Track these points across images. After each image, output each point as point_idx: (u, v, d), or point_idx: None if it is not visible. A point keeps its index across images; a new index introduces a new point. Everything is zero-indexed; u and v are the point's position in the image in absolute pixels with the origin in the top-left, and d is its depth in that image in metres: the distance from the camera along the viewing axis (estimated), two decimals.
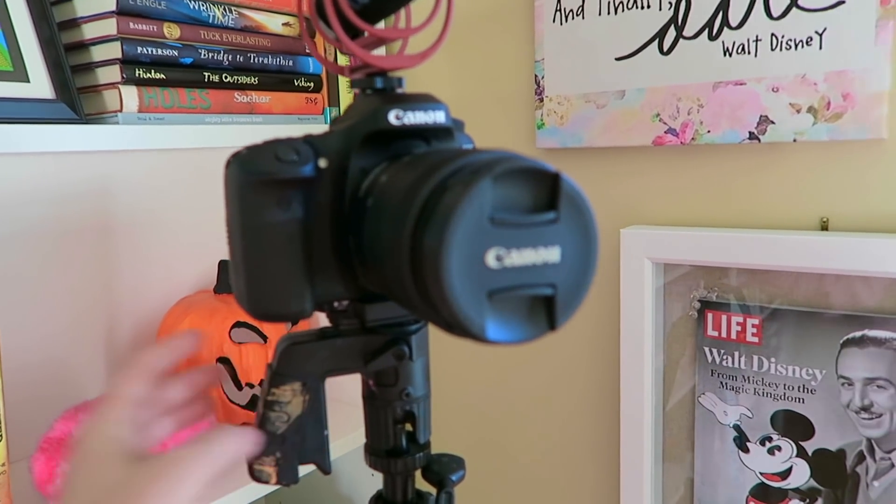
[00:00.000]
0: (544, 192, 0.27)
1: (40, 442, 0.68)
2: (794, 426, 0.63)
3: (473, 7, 0.81)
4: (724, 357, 0.67)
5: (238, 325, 0.85)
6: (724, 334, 0.66)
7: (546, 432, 0.83)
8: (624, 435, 0.71)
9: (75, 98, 0.60)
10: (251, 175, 0.34)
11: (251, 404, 0.87)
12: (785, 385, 0.63)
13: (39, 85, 0.59)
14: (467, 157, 0.28)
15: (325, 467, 0.41)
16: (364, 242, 0.33)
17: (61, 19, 0.65)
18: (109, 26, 0.62)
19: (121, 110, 0.62)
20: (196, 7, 0.67)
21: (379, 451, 0.42)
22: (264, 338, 0.86)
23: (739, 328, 0.65)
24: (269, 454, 0.39)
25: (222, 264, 0.90)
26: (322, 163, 0.35)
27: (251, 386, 0.87)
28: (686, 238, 0.66)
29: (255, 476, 0.39)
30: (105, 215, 0.85)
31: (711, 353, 0.67)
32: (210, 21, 0.68)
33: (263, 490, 0.81)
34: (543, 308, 0.28)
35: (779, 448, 0.64)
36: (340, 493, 1.01)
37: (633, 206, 0.73)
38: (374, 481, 0.91)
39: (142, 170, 0.88)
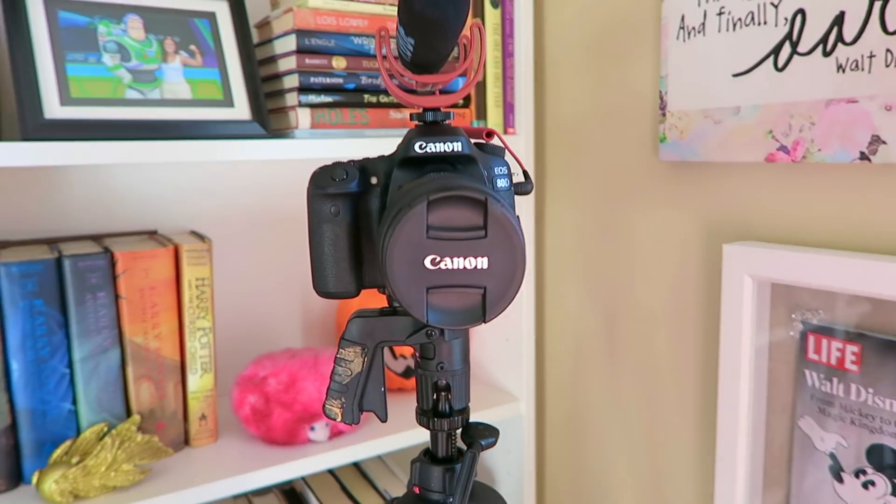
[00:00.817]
0: (476, 215, 0.35)
1: (237, 378, 0.89)
2: (891, 463, 0.60)
3: (607, 24, 0.86)
4: (824, 382, 0.65)
5: None
6: (824, 359, 0.65)
7: (639, 446, 0.86)
8: (720, 454, 0.72)
9: (265, 118, 0.79)
10: (314, 189, 0.46)
11: (405, 373, 1.02)
12: (882, 418, 0.60)
13: (241, 109, 0.78)
14: (433, 184, 0.38)
15: (381, 416, 0.53)
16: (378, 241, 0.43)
17: (264, 56, 0.85)
18: (291, 62, 0.79)
19: (297, 127, 0.79)
20: (359, 42, 0.82)
21: (425, 412, 0.53)
22: None
23: (839, 354, 0.63)
24: (336, 398, 0.52)
25: None
26: (373, 180, 0.47)
27: (405, 357, 1.02)
28: (790, 257, 0.65)
29: (326, 413, 0.52)
30: (297, 203, 1.06)
31: (812, 376, 0.66)
32: (371, 53, 0.83)
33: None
34: (479, 304, 0.36)
35: (873, 483, 0.61)
36: (483, 465, 1.12)
37: (742, 222, 0.73)
38: (511, 457, 1.01)
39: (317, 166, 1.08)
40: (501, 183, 0.49)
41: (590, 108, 0.91)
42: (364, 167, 0.47)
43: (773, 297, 0.69)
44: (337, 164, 0.47)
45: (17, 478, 0.75)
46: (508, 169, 0.50)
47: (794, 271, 0.65)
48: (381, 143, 0.83)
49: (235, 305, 1.04)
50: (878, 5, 0.59)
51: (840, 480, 0.64)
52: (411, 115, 0.49)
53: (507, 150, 0.51)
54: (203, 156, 0.73)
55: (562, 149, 0.96)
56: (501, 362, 1.04)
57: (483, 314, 0.36)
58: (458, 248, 0.35)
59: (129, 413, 0.81)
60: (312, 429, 0.86)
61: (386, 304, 0.52)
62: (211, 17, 0.79)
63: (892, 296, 0.58)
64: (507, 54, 0.94)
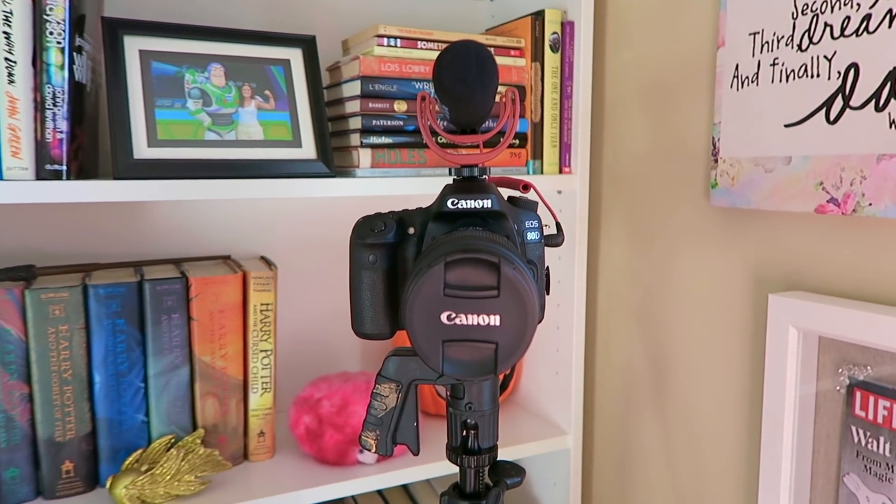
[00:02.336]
0: (490, 276, 0.38)
1: (295, 398, 0.94)
2: None
3: (664, 70, 0.87)
4: (870, 440, 0.63)
5: None
6: (871, 416, 0.63)
7: (687, 490, 0.85)
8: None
9: (330, 157, 0.84)
10: (357, 238, 0.50)
11: None
12: None
13: (307, 149, 0.84)
14: (456, 245, 0.41)
15: (413, 449, 0.56)
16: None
17: (334, 98, 0.91)
18: (356, 106, 0.84)
19: (359, 166, 0.85)
20: (420, 87, 0.87)
21: (454, 448, 0.56)
22: None
23: (886, 413, 0.62)
24: (372, 430, 0.56)
25: None
26: (410, 230, 0.51)
27: None
28: (838, 311, 0.64)
29: (361, 444, 0.56)
30: None
31: (858, 433, 0.64)
32: (431, 97, 0.87)
33: None
34: (491, 358, 0.39)
35: None
36: (531, 496, 1.13)
37: (790, 272, 0.72)
38: (557, 490, 1.02)
39: (378, 202, 1.13)
40: (532, 236, 0.52)
41: (644, 151, 0.92)
42: (402, 218, 0.51)
43: (820, 350, 0.68)
44: (377, 216, 0.51)
45: (94, 481, 0.83)
46: (539, 222, 0.52)
47: (842, 325, 0.64)
48: (436, 182, 0.87)
49: (298, 327, 1.10)
50: None
51: None
52: (450, 170, 0.53)
53: (540, 203, 0.54)
54: (272, 193, 0.79)
55: (616, 189, 0.97)
56: (550, 395, 1.06)
57: (494, 367, 0.39)
58: (472, 305, 0.38)
59: (194, 426, 0.87)
60: (361, 451, 0.90)
61: None
62: (286, 64, 0.86)
63: None
64: (565, 96, 0.96)
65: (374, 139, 0.85)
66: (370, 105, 0.84)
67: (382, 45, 0.84)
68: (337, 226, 1.11)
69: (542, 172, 0.96)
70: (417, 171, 0.88)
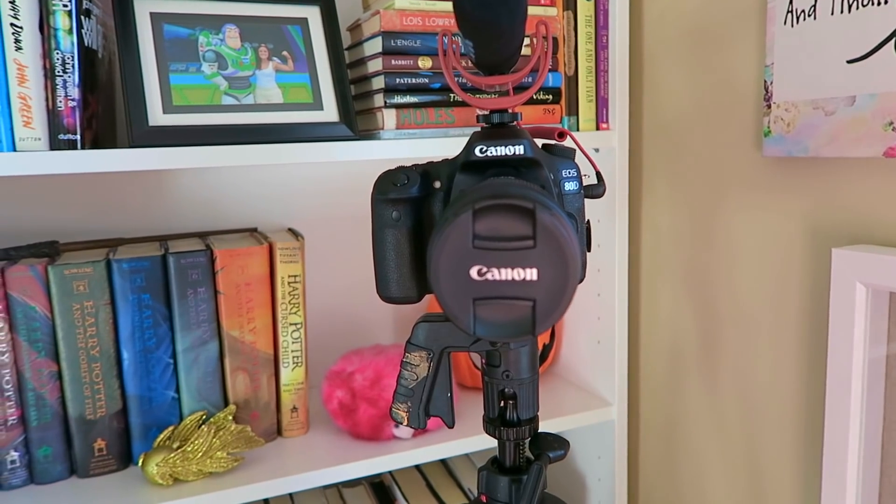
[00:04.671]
0: (525, 225, 0.34)
1: (327, 372, 0.92)
2: None
3: (707, 11, 0.80)
4: None
5: None
6: None
7: (739, 457, 0.80)
8: (827, 473, 0.66)
9: (353, 119, 0.80)
10: (378, 194, 0.46)
11: None
12: None
13: (329, 112, 0.80)
14: (485, 191, 0.36)
15: (448, 422, 0.52)
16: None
17: (353, 59, 0.86)
18: (378, 64, 0.80)
19: (383, 128, 0.80)
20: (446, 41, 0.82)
21: (492, 420, 0.52)
22: None
23: None
24: (402, 402, 0.52)
25: None
26: (436, 184, 0.46)
27: None
28: None
29: (392, 416, 0.52)
30: None
31: None
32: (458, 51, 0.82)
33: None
34: (528, 316, 0.35)
35: None
36: (575, 470, 1.09)
37: (856, 224, 0.66)
38: (601, 463, 0.98)
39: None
40: (570, 186, 0.47)
41: (688, 102, 0.85)
42: (426, 171, 0.46)
43: (892, 308, 0.62)
44: (400, 169, 0.46)
45: (127, 458, 0.82)
46: (578, 171, 0.48)
47: None
48: (464, 143, 0.82)
49: (328, 300, 1.07)
50: None
51: None
52: (478, 116, 0.48)
53: (578, 151, 0.49)
54: (293, 158, 0.75)
55: (658, 145, 0.91)
56: (593, 365, 1.01)
57: (532, 327, 0.35)
58: (505, 258, 0.34)
59: (226, 402, 0.85)
60: (397, 426, 0.87)
61: None
62: (303, 22, 0.81)
63: None
64: (600, 47, 0.90)
65: (398, 98, 0.80)
66: (393, 62, 0.80)
67: None
68: (364, 193, 1.07)
69: (577, 129, 0.91)
70: (446, 132, 0.83)
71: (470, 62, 0.45)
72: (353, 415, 0.87)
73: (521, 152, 0.43)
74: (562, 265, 0.34)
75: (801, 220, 0.72)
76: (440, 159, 0.47)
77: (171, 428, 0.80)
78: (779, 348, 0.76)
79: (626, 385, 0.97)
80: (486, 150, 0.43)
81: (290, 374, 0.88)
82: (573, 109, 0.90)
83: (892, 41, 0.60)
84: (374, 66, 0.81)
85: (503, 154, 0.43)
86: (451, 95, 0.83)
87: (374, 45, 0.81)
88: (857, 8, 0.63)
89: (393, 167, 1.08)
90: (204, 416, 0.82)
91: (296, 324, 0.88)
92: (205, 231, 0.98)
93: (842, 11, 0.64)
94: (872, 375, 0.63)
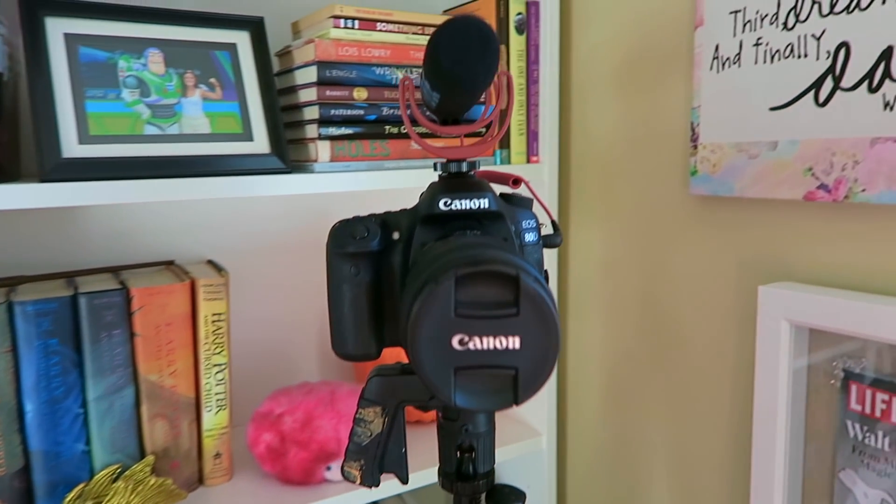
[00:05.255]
0: (508, 291, 0.33)
1: (253, 414, 0.87)
2: None
3: (636, 52, 0.83)
4: (867, 435, 0.61)
5: None
6: (867, 410, 0.61)
7: (675, 492, 0.82)
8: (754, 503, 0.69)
9: (284, 151, 0.77)
10: (334, 247, 0.44)
11: (423, 406, 0.99)
12: None
13: (260, 143, 0.77)
14: (459, 253, 0.35)
15: (402, 477, 0.50)
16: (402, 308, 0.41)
17: (285, 86, 0.83)
18: (312, 94, 0.77)
19: (317, 160, 0.77)
20: (381, 73, 0.80)
21: (447, 475, 0.50)
22: None
23: (885, 406, 0.60)
24: (356, 460, 0.50)
25: None
26: (395, 235, 0.45)
27: None
28: (830, 302, 0.62)
29: (345, 475, 0.50)
30: (312, 233, 1.05)
31: (854, 427, 0.62)
32: (393, 82, 0.81)
33: None
34: (510, 385, 0.34)
35: None
36: None
37: (779, 262, 0.69)
38: (532, 492, 0.98)
39: (348, 202, 1.06)
40: (530, 237, 0.47)
41: (617, 138, 0.88)
42: (385, 222, 0.45)
43: (813, 343, 0.65)
44: (357, 221, 0.44)
45: None
46: (537, 221, 0.47)
47: (835, 317, 0.61)
48: (401, 176, 0.81)
49: (249, 336, 1.02)
50: None
51: None
52: (435, 164, 0.47)
53: (535, 200, 0.48)
54: (222, 192, 0.71)
55: (587, 178, 0.93)
56: None
57: (515, 397, 0.33)
58: (487, 326, 0.33)
59: (143, 453, 0.79)
60: (329, 468, 0.84)
61: (405, 360, 0.50)
62: (232, 48, 0.78)
63: None
64: (531, 81, 0.91)
65: (333, 130, 0.78)
66: (327, 93, 0.77)
67: (339, 27, 0.77)
68: (289, 225, 1.03)
69: (509, 162, 0.91)
70: (381, 165, 0.81)
71: (426, 108, 0.44)
72: (282, 459, 0.83)
73: (486, 206, 0.42)
74: (545, 332, 0.33)
75: (728, 257, 0.75)
76: (398, 209, 0.46)
77: (81, 486, 0.73)
78: (708, 380, 0.79)
79: (555, 415, 0.98)
80: (450, 204, 0.42)
81: (214, 419, 0.83)
82: (505, 142, 0.91)
83: (812, 92, 0.64)
84: (307, 95, 0.79)
85: (467, 208, 0.42)
86: (388, 127, 0.82)
87: (308, 74, 0.78)
88: (780, 59, 0.66)
89: (323, 203, 1.05)
90: (118, 470, 0.76)
91: (220, 364, 0.83)
92: (116, 265, 0.91)
93: (765, 61, 0.68)
94: (796, 406, 0.67)
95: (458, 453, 0.49)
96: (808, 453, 0.67)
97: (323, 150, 0.77)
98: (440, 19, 0.84)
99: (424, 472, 0.86)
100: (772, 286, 0.67)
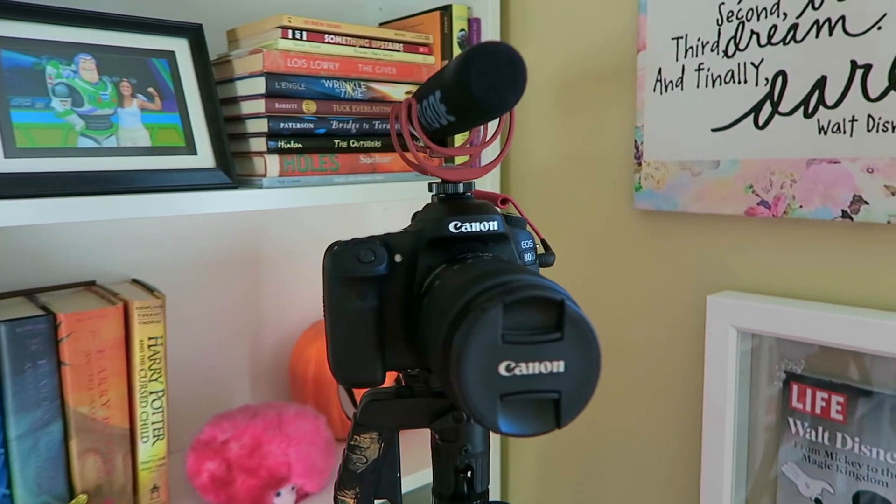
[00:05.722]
0: (551, 316, 0.33)
1: (193, 441, 0.82)
2: None
3: (582, 72, 0.86)
4: (808, 430, 0.67)
5: None
6: (808, 408, 0.66)
7: (626, 492, 0.86)
8: (704, 499, 0.73)
9: (230, 164, 0.73)
10: (337, 272, 0.42)
11: None
12: (869, 466, 0.62)
13: (204, 156, 0.72)
14: (494, 279, 0.35)
15: (396, 502, 0.49)
16: (419, 332, 0.40)
17: (223, 96, 0.79)
18: (260, 106, 0.74)
19: (265, 175, 0.74)
20: (330, 85, 0.78)
21: (443, 496, 0.49)
22: None
23: (824, 404, 0.65)
24: (350, 488, 0.48)
25: None
26: (397, 258, 0.43)
27: None
28: (773, 310, 0.67)
29: None
30: (253, 253, 1.00)
31: (795, 424, 0.68)
32: (342, 96, 0.79)
33: None
34: (551, 409, 0.34)
35: None
36: None
37: (723, 273, 0.74)
38: None
39: (282, 217, 1.02)
40: (528, 257, 0.47)
41: (561, 153, 0.90)
42: (387, 244, 0.43)
43: (756, 347, 0.70)
44: (359, 243, 0.43)
45: None
46: (533, 241, 0.48)
47: (778, 323, 0.66)
48: (350, 191, 0.79)
49: (177, 360, 0.96)
50: (859, 72, 0.61)
51: None
52: (431, 185, 0.47)
53: (527, 221, 0.49)
54: (164, 210, 0.67)
55: (529, 192, 0.95)
56: None
57: (557, 420, 0.34)
58: (533, 352, 0.33)
59: (72, 493, 0.72)
60: (278, 494, 0.80)
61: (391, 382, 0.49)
62: (170, 56, 0.73)
63: (874, 349, 0.61)
64: None
65: (282, 144, 0.75)
66: (276, 105, 0.74)
67: (287, 38, 0.75)
68: (219, 240, 0.98)
69: None
70: (330, 180, 0.79)
71: (421, 130, 0.43)
72: (228, 488, 0.79)
73: (495, 228, 0.42)
74: (588, 355, 0.33)
75: (675, 268, 0.79)
76: (399, 230, 0.45)
77: None
78: (660, 383, 0.83)
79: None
80: (460, 227, 0.42)
81: (150, 450, 0.77)
82: (448, 159, 0.91)
83: (752, 115, 0.69)
84: (253, 107, 0.75)
85: (478, 230, 0.42)
86: (337, 141, 0.80)
87: (254, 86, 0.75)
88: (721, 84, 0.71)
89: (260, 217, 1.01)
90: None
91: (157, 392, 0.77)
92: (30, 288, 0.83)
93: (707, 86, 0.72)
94: (742, 406, 0.71)
95: (455, 475, 0.49)
96: (754, 449, 0.71)
97: (272, 164, 0.74)
98: (389, 33, 0.83)
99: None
100: (719, 295, 0.71)
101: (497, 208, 0.44)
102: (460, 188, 0.46)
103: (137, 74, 0.70)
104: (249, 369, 1.03)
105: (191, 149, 0.72)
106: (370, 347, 0.43)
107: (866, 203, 0.62)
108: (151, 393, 0.77)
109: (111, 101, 0.68)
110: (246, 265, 1.00)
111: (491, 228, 0.42)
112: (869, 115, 0.61)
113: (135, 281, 0.87)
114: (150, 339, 0.76)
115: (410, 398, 0.47)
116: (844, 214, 0.63)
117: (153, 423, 0.77)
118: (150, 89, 0.71)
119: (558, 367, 0.33)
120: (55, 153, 0.63)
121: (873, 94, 0.61)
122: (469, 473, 0.49)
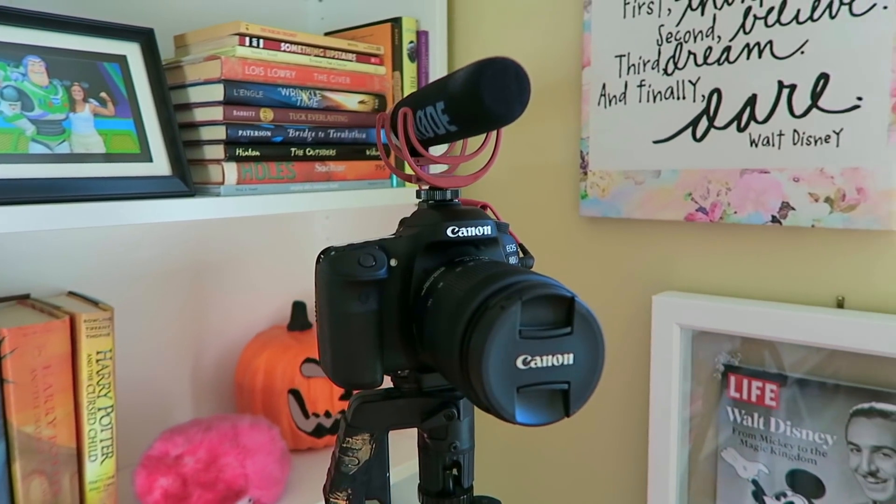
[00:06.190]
0: (562, 312, 0.36)
1: (142, 458, 0.79)
2: (807, 485, 0.69)
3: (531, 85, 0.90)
4: (745, 417, 0.73)
5: (308, 360, 0.95)
6: (745, 396, 0.73)
7: (579, 479, 0.90)
8: (651, 484, 0.78)
9: (186, 172, 0.72)
10: (338, 275, 0.43)
11: (316, 432, 0.97)
12: (799, 447, 0.69)
13: (160, 163, 0.71)
14: (505, 280, 0.37)
15: (386, 502, 0.50)
16: (424, 333, 0.42)
17: (175, 103, 0.78)
18: (217, 113, 0.73)
19: (223, 183, 0.74)
20: (287, 94, 0.78)
21: (430, 493, 0.51)
22: None
23: (759, 392, 0.72)
24: (342, 490, 0.49)
25: (297, 305, 1.01)
26: (393, 262, 0.45)
27: (317, 416, 0.97)
28: (713, 308, 0.73)
29: None
30: (194, 264, 0.98)
31: (733, 412, 0.74)
32: (298, 104, 0.80)
33: None
34: (560, 399, 0.36)
35: None
36: None
37: (666, 274, 0.80)
38: None
39: (224, 227, 1.01)
40: (513, 259, 0.50)
41: (510, 164, 0.94)
42: (384, 249, 0.45)
43: (696, 342, 0.76)
44: (358, 248, 0.44)
45: None
46: (516, 245, 0.51)
47: (717, 320, 0.72)
48: (307, 199, 0.80)
49: (117, 375, 0.92)
50: (786, 92, 0.68)
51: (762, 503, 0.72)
52: (419, 191, 0.49)
53: (508, 226, 0.52)
54: (120, 218, 0.65)
55: (479, 198, 0.98)
56: None
57: (566, 409, 0.36)
58: (547, 346, 0.35)
59: None
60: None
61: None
62: (122, 60, 0.71)
63: (803, 340, 0.67)
64: None
65: (240, 151, 0.74)
66: (235, 113, 0.74)
67: (245, 46, 0.74)
68: (159, 250, 0.95)
69: (405, 185, 0.93)
70: (287, 188, 0.79)
71: (410, 137, 0.45)
72: (184, 503, 0.77)
73: (489, 232, 0.45)
74: (594, 347, 0.36)
75: (619, 270, 0.84)
76: (392, 235, 0.46)
77: None
78: (609, 378, 0.87)
79: None
80: (457, 231, 0.44)
81: (99, 469, 0.74)
82: (399, 164, 0.93)
83: (690, 129, 0.75)
84: (209, 114, 0.74)
85: (473, 235, 0.44)
86: (293, 149, 0.80)
87: (209, 93, 0.74)
88: (661, 100, 0.77)
89: (205, 226, 0.98)
90: None
91: (106, 408, 0.74)
92: None
93: (648, 101, 0.78)
94: (684, 397, 0.77)
95: (443, 471, 0.51)
96: (696, 437, 0.77)
97: (230, 171, 0.74)
98: (342, 43, 0.84)
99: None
100: (662, 295, 0.76)
101: (489, 216, 0.46)
102: (448, 195, 0.48)
103: (89, 79, 0.68)
104: (191, 382, 1.00)
105: (146, 156, 0.70)
106: (371, 349, 0.44)
107: (793, 209, 0.69)
108: (100, 409, 0.74)
109: (63, 106, 0.65)
110: (186, 276, 0.98)
111: (485, 233, 0.45)
112: (794, 130, 0.68)
113: (72, 293, 0.83)
114: (98, 353, 0.73)
115: (401, 399, 0.48)
116: (774, 219, 0.70)
117: (102, 441, 0.74)
118: (103, 94, 0.69)
119: (568, 359, 0.36)
120: (5, 159, 0.60)
121: (798, 111, 0.68)
122: (456, 470, 0.51)
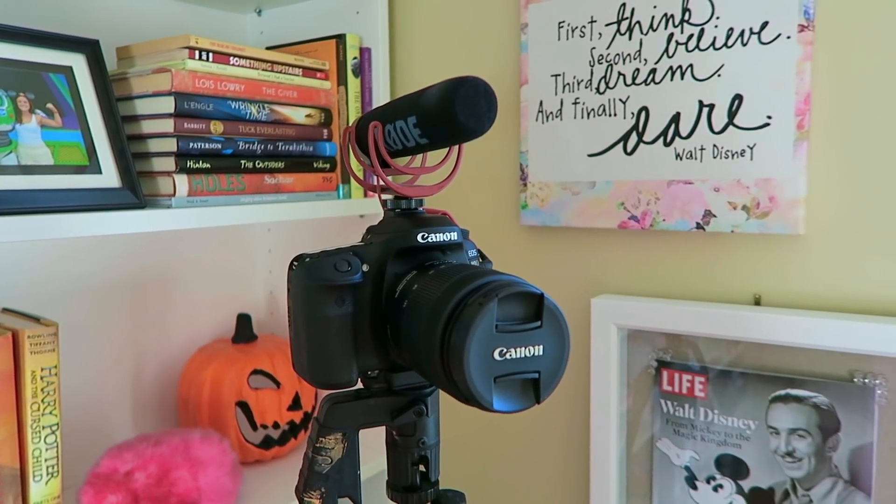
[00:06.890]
0: (532, 308, 0.39)
1: (88, 476, 0.77)
2: (734, 468, 0.76)
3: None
4: (677, 408, 0.79)
5: (255, 372, 0.96)
6: (676, 389, 0.79)
7: (530, 469, 0.95)
8: (593, 473, 0.83)
9: (136, 184, 0.72)
10: (315, 280, 0.45)
11: (264, 444, 0.97)
12: (726, 433, 0.76)
13: (109, 175, 0.70)
14: (479, 280, 0.41)
15: (357, 499, 0.52)
16: (401, 333, 0.45)
17: (122, 114, 0.77)
18: (167, 125, 0.74)
19: (174, 195, 0.74)
20: (236, 107, 0.79)
21: (398, 487, 0.54)
22: (278, 384, 0.96)
23: (689, 384, 0.78)
24: (316, 489, 0.51)
25: (241, 318, 1.01)
26: (365, 267, 0.48)
27: (265, 427, 0.97)
28: (645, 308, 0.79)
29: None
30: (136, 277, 0.97)
31: (667, 404, 0.80)
32: (247, 117, 0.81)
33: None
34: (532, 387, 0.40)
35: (721, 486, 0.76)
36: None
37: (602, 278, 0.86)
38: None
39: (162, 240, 1.00)
40: (474, 263, 0.53)
41: (461, 177, 0.97)
42: (357, 255, 0.47)
43: (634, 341, 0.82)
44: (332, 255, 0.47)
45: None
46: (476, 250, 0.54)
47: (650, 319, 0.78)
48: (257, 211, 0.81)
49: (73, 392, 0.90)
50: (706, 110, 0.75)
51: (694, 488, 0.78)
52: (387, 201, 0.51)
53: (468, 232, 0.55)
54: (68, 231, 0.64)
55: None
56: None
57: (537, 396, 0.40)
58: (519, 338, 0.39)
59: None
60: None
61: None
62: (68, 71, 0.70)
63: (725, 335, 0.74)
64: None
65: (192, 164, 0.75)
66: (185, 125, 0.74)
67: (195, 59, 0.75)
68: (97, 264, 0.93)
69: (350, 196, 0.96)
70: (237, 199, 0.80)
71: (380, 149, 0.48)
72: None
73: (455, 238, 0.48)
74: (561, 339, 0.40)
75: (559, 276, 0.89)
76: (361, 243, 0.49)
77: None
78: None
79: None
80: (427, 237, 0.47)
81: (44, 490, 0.72)
82: (346, 177, 0.95)
83: (621, 144, 0.81)
84: (158, 126, 0.74)
85: (441, 240, 0.47)
86: (243, 162, 0.81)
87: (159, 105, 0.74)
88: (595, 116, 0.83)
89: (150, 239, 0.96)
90: None
91: (51, 426, 0.73)
92: None
93: (583, 117, 0.83)
94: (621, 392, 0.82)
95: (411, 466, 0.53)
96: (633, 430, 0.83)
97: (181, 183, 0.74)
98: (289, 58, 0.86)
99: None
100: (600, 298, 0.82)
101: (454, 223, 0.49)
102: (414, 203, 0.51)
103: (35, 89, 0.67)
104: (132, 398, 0.98)
105: (95, 167, 0.70)
106: (347, 350, 0.47)
107: (715, 216, 0.76)
108: (45, 427, 0.72)
109: (9, 117, 0.64)
110: (124, 290, 0.96)
111: (452, 238, 0.48)
112: (714, 145, 0.75)
113: (7, 310, 0.81)
114: (42, 369, 0.72)
115: (371, 398, 0.51)
116: (698, 226, 0.77)
117: (47, 460, 0.73)
118: (49, 105, 0.68)
119: (539, 350, 0.40)
120: None
121: (717, 127, 0.75)
122: (423, 465, 0.53)
